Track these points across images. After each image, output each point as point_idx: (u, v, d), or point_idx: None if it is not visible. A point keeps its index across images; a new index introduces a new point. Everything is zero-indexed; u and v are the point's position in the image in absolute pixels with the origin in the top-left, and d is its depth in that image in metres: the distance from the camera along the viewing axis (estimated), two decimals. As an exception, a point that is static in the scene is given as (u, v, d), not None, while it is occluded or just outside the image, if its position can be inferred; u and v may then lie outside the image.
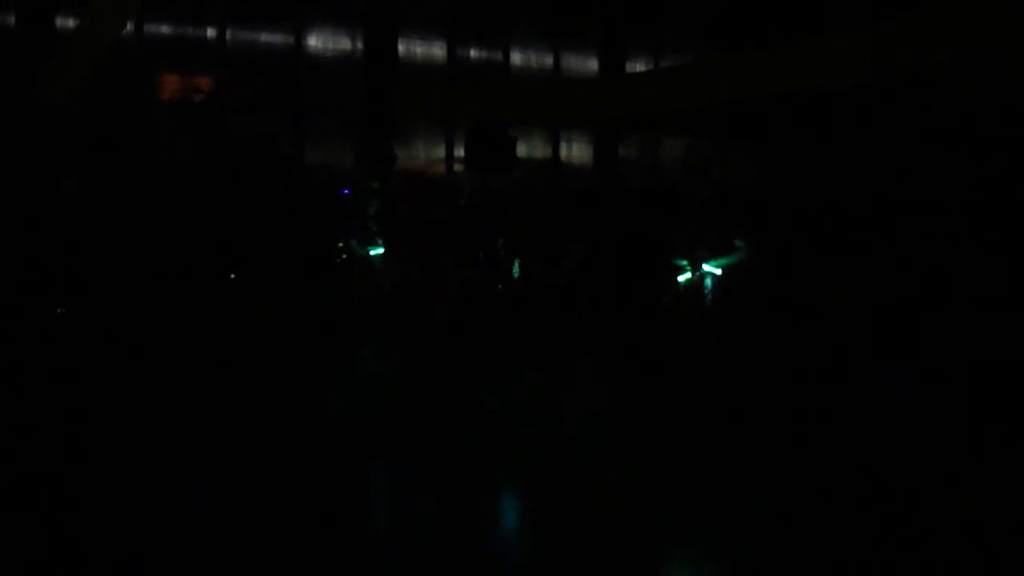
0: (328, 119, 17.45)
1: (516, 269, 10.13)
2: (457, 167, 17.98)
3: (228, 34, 16.90)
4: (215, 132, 16.20)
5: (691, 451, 6.62)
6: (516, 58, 19.38)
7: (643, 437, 7.03)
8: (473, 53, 19.01)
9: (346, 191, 15.20)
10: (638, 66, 19.89)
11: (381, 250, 11.05)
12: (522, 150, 16.49)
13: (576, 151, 19.88)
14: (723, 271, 6.79)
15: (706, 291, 6.76)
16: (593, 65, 19.98)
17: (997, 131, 10.76)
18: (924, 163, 11.21)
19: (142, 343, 10.74)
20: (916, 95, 11.92)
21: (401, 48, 18.13)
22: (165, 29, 16.48)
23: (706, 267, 6.82)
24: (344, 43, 17.84)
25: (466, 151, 16.08)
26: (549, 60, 19.64)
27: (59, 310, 11.99)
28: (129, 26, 15.70)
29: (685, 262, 6.88)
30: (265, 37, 17.24)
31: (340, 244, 13.56)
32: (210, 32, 16.84)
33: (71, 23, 14.86)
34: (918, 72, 11.31)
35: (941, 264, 9.23)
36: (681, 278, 6.91)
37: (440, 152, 18.58)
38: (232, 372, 9.88)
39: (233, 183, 15.43)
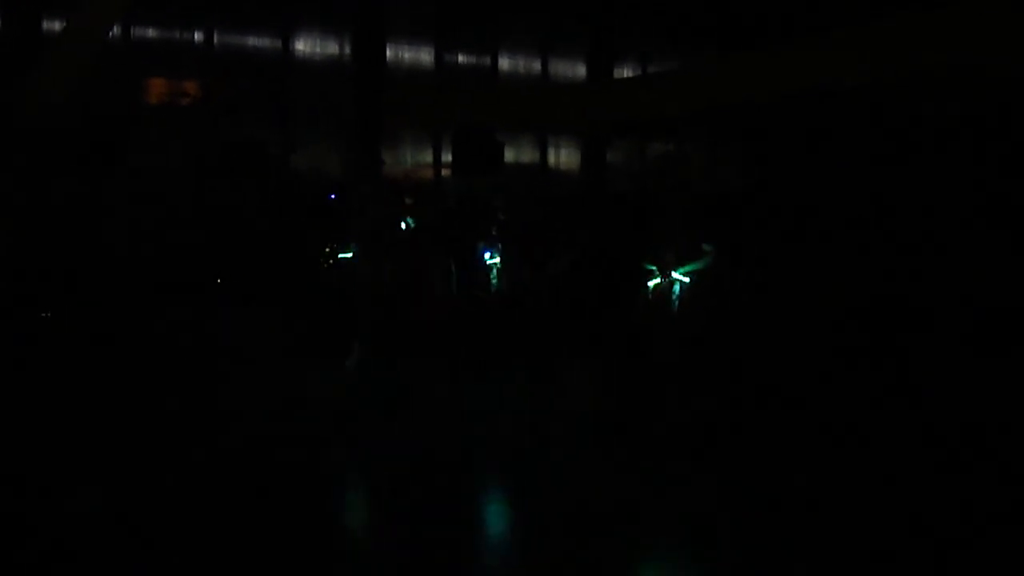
0: (316, 123, 17.44)
1: (495, 274, 10.15)
2: (445, 172, 17.99)
3: (216, 39, 16.90)
4: (204, 135, 16.19)
5: (662, 453, 6.66)
6: (504, 63, 19.40)
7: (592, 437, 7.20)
8: (461, 58, 19.02)
9: (333, 195, 15.23)
10: (626, 71, 19.92)
11: (350, 253, 11.05)
12: (510, 154, 16.56)
13: (564, 155, 19.90)
14: (692, 277, 6.78)
15: (674, 296, 6.75)
16: (581, 70, 20.01)
17: (985, 133, 10.79)
18: (909, 165, 11.23)
19: (130, 345, 10.74)
20: (905, 96, 11.94)
21: (389, 53, 18.16)
22: (154, 34, 16.47)
23: (674, 274, 6.81)
24: (332, 47, 17.85)
25: (453, 155, 16.11)
26: (537, 65, 19.66)
27: (44, 314, 11.99)
28: (118, 31, 15.72)
29: (655, 267, 6.87)
30: (253, 41, 17.25)
31: (327, 248, 13.55)
32: (199, 37, 16.84)
33: (58, 27, 14.85)
34: (914, 73, 11.33)
35: (923, 266, 9.25)
36: (650, 283, 6.90)
37: (428, 156, 18.57)
38: (217, 373, 9.89)
39: (222, 186, 15.44)
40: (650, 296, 6.88)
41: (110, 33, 14.94)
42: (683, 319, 6.76)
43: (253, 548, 5.16)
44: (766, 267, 9.53)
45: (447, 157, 17.40)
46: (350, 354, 10.11)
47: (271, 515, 5.65)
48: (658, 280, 6.89)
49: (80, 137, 13.59)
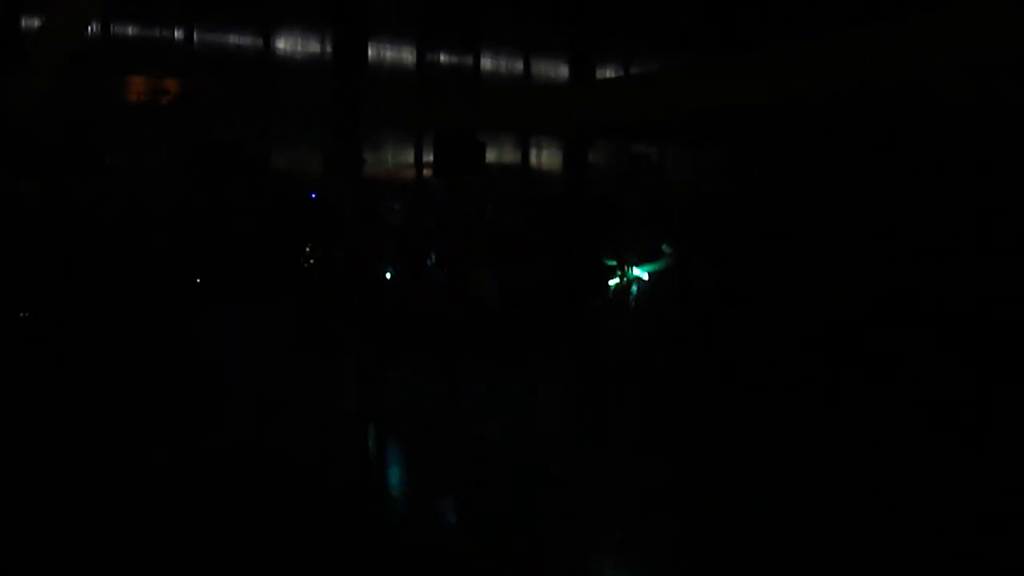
0: (298, 122, 17.35)
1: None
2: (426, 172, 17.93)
3: (196, 37, 16.79)
4: (184, 134, 16.08)
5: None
6: (487, 62, 19.36)
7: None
8: (443, 57, 18.98)
9: (313, 195, 15.19)
10: (608, 72, 19.91)
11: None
12: (491, 154, 16.52)
13: (546, 156, 19.89)
14: (650, 276, 6.79)
15: (632, 296, 6.77)
16: (564, 70, 19.99)
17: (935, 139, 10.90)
18: (871, 172, 11.29)
19: (110, 345, 10.69)
20: (895, 99, 11.98)
21: (371, 52, 18.08)
22: (134, 32, 16.36)
23: (634, 272, 6.81)
24: (314, 46, 17.76)
25: (435, 155, 16.06)
26: (519, 65, 19.64)
27: (22, 314, 11.90)
28: (98, 30, 15.62)
29: (616, 266, 6.86)
30: (234, 40, 17.14)
31: (307, 248, 13.50)
32: (179, 36, 16.73)
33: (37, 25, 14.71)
34: (906, 76, 11.39)
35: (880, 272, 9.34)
36: (611, 282, 6.90)
37: (409, 155, 18.50)
38: (196, 371, 9.90)
39: (202, 186, 15.35)
40: (610, 295, 6.89)
41: (87, 31, 14.83)
42: (640, 317, 6.79)
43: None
44: (729, 268, 9.62)
45: (428, 156, 17.37)
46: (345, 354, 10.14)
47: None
48: (618, 279, 6.89)
49: (56, 138, 13.48)
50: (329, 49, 17.75)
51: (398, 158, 18.41)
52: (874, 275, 9.17)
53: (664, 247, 6.91)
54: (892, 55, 11.33)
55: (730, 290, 9.26)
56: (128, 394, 8.74)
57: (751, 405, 7.69)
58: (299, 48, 17.59)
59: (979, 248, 8.90)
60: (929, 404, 7.38)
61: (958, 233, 9.16)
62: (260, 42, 17.28)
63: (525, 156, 19.63)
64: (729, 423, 7.29)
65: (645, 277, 6.87)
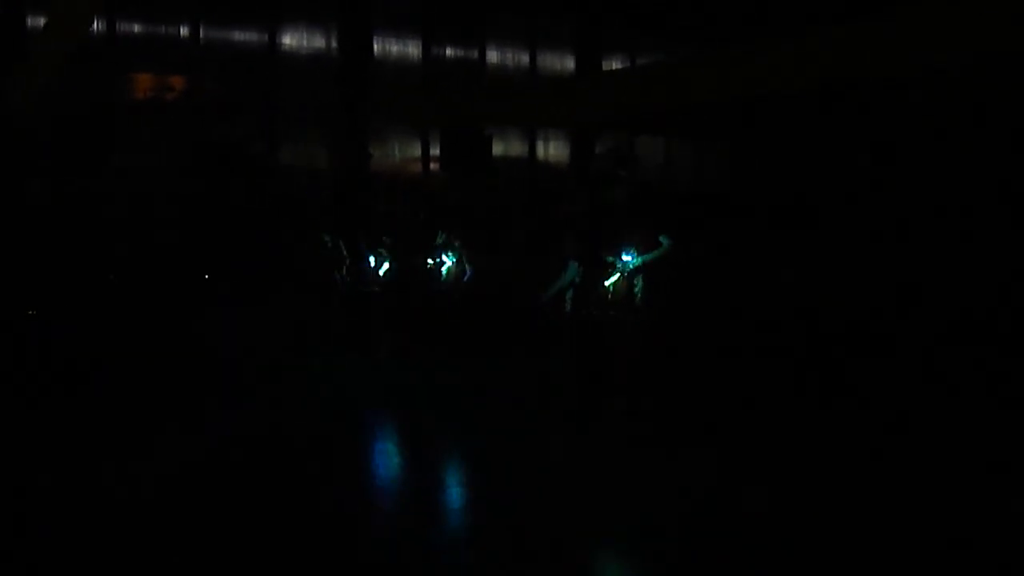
0: (302, 118, 17.31)
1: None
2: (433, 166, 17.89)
3: (202, 34, 16.76)
4: (189, 133, 16.09)
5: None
6: (492, 55, 19.25)
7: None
8: (449, 51, 18.87)
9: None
10: (614, 64, 19.78)
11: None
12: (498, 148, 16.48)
13: (553, 148, 19.79)
14: (647, 266, 6.69)
15: (636, 290, 6.66)
16: (570, 63, 19.87)
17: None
18: (894, 162, 11.23)
19: (117, 342, 10.77)
20: (898, 95, 11.92)
21: (376, 47, 18.01)
22: (138, 29, 16.35)
23: (630, 262, 6.69)
24: (319, 42, 17.69)
25: (441, 151, 16.02)
26: (525, 58, 19.52)
27: (30, 312, 11.99)
28: (101, 27, 15.63)
29: (612, 259, 6.75)
30: (239, 36, 17.10)
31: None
32: (184, 32, 16.71)
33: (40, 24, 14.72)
34: (899, 72, 11.29)
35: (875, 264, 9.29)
36: (608, 283, 6.78)
37: (415, 151, 18.43)
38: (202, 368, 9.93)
39: (206, 183, 15.39)
40: (610, 291, 6.78)
41: (89, 30, 14.82)
42: (644, 312, 6.69)
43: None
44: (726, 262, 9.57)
45: (435, 151, 17.36)
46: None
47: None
48: (617, 276, 6.78)
49: (57, 136, 13.53)
50: (334, 45, 17.68)
51: (405, 152, 18.33)
52: (873, 271, 9.12)
53: (661, 238, 6.80)
54: (907, 49, 11.22)
55: (728, 284, 9.22)
56: (133, 392, 8.79)
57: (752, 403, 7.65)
58: (304, 44, 17.53)
59: (979, 247, 8.82)
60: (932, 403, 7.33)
61: (955, 228, 9.09)
62: (264, 39, 17.23)
63: (532, 149, 19.55)
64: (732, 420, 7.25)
65: (638, 261, 6.74)
